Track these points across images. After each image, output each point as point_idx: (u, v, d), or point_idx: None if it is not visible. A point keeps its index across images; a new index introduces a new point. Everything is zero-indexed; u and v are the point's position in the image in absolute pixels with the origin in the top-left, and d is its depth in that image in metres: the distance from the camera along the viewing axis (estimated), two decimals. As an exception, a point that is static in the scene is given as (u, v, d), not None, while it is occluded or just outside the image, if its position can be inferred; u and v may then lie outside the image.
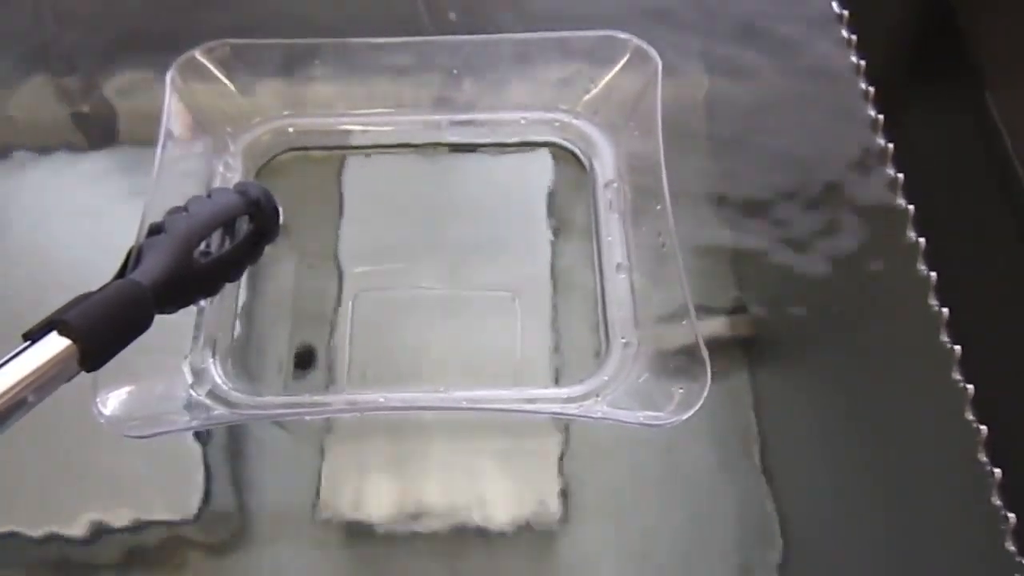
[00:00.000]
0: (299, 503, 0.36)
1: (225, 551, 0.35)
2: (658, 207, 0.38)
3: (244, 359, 0.39)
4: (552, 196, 0.44)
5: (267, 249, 0.38)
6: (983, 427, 0.36)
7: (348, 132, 0.46)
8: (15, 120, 0.48)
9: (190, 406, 0.36)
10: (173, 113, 0.41)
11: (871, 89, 0.47)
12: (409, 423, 0.38)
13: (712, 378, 0.33)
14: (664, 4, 0.52)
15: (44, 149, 0.46)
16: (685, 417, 0.33)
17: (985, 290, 0.42)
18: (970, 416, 0.37)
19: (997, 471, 0.35)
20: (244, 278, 0.40)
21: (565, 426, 0.38)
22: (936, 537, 0.35)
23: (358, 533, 0.36)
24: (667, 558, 0.35)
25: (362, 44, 0.45)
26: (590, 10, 0.51)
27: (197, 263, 0.34)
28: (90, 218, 0.44)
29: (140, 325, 0.31)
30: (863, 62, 0.48)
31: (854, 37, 0.49)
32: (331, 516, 0.36)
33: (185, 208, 0.35)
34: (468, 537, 0.35)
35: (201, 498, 0.36)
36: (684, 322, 0.35)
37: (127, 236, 0.34)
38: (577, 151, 0.45)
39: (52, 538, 0.35)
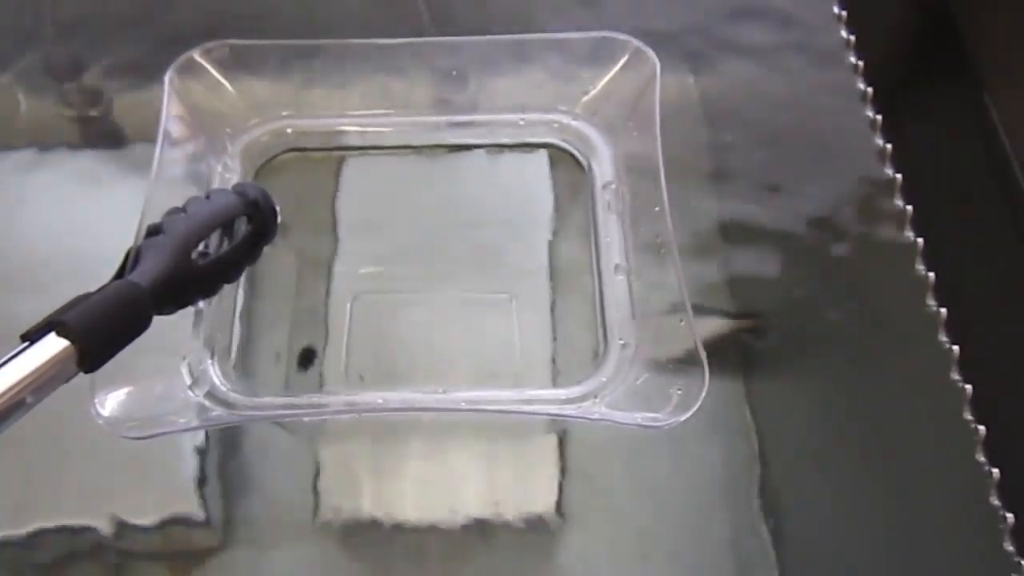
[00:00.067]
0: (298, 504, 0.36)
1: (224, 552, 0.35)
2: (656, 208, 0.38)
3: (243, 360, 0.39)
4: (550, 197, 0.44)
5: (266, 250, 0.38)
6: (981, 427, 0.36)
7: (347, 133, 0.46)
8: (14, 120, 0.48)
9: (189, 407, 0.36)
10: (171, 114, 0.41)
11: (870, 90, 0.47)
12: (408, 424, 0.38)
13: (710, 379, 0.33)
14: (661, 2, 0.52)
15: (43, 149, 0.46)
16: (683, 418, 0.33)
17: (983, 290, 0.42)
18: (968, 416, 0.37)
19: (995, 471, 0.35)
20: (242, 279, 0.40)
21: (563, 427, 0.38)
22: (935, 537, 0.35)
23: (357, 533, 0.36)
24: (665, 559, 0.35)
25: (361, 45, 0.45)
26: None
27: (195, 264, 0.34)
28: (88, 219, 0.44)
29: (139, 326, 0.31)
30: (862, 62, 0.48)
31: (853, 38, 0.49)
32: (330, 516, 0.36)
33: (183, 209, 0.35)
34: (467, 538, 0.35)
35: (199, 499, 0.36)
36: (682, 323, 0.35)
37: (126, 237, 0.34)
38: (576, 152, 0.45)
39: (51, 538, 0.35)
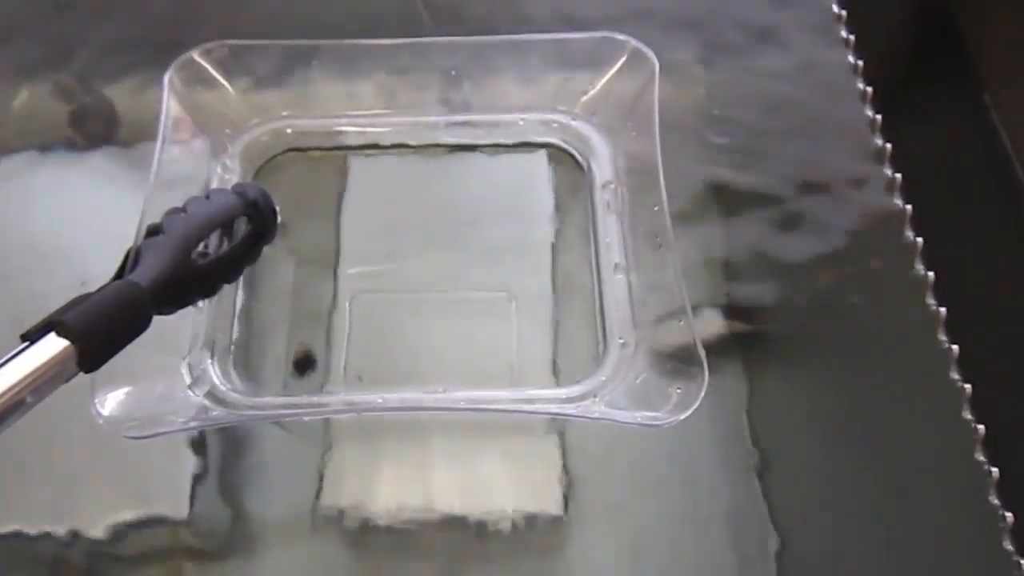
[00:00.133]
0: (299, 503, 0.36)
1: (225, 552, 0.35)
2: (655, 208, 0.39)
3: (243, 360, 0.39)
4: (550, 197, 0.45)
5: (265, 250, 0.38)
6: (981, 426, 0.36)
7: (346, 133, 0.46)
8: (14, 121, 0.48)
9: (189, 407, 0.36)
10: (171, 114, 0.41)
11: (869, 89, 0.47)
12: (408, 424, 0.38)
13: (709, 378, 0.33)
14: (664, 4, 0.52)
15: (43, 149, 0.46)
16: (683, 417, 0.33)
17: (983, 290, 0.42)
18: (968, 415, 0.37)
19: (995, 470, 0.35)
20: (242, 279, 0.40)
21: (563, 426, 0.38)
22: (934, 536, 0.35)
23: (358, 534, 0.36)
24: (666, 557, 0.35)
25: (360, 45, 0.45)
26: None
27: (195, 264, 0.34)
28: (88, 219, 0.44)
29: (138, 326, 0.31)
30: (861, 62, 0.48)
31: (852, 37, 0.50)
32: (331, 516, 0.36)
33: (183, 209, 0.35)
34: (468, 537, 0.35)
35: (200, 499, 0.36)
36: (681, 322, 0.36)
37: (125, 237, 0.34)
38: (575, 152, 0.46)
39: (49, 538, 0.35)
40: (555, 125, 0.46)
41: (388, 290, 0.42)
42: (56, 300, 0.29)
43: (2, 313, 0.40)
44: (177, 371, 0.38)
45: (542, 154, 0.46)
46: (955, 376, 0.38)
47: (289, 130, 0.46)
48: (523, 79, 0.46)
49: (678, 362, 0.35)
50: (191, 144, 0.43)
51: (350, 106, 0.46)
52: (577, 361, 0.39)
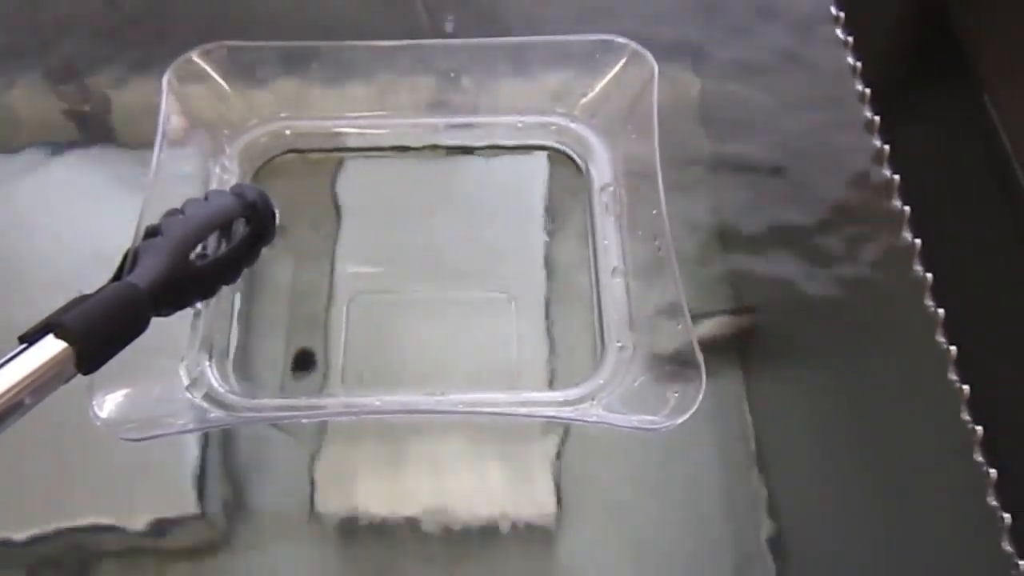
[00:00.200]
0: (296, 504, 0.36)
1: (222, 553, 0.35)
2: (654, 211, 0.38)
3: (241, 362, 0.39)
4: (548, 199, 0.45)
5: (264, 251, 0.38)
6: (979, 427, 0.36)
7: (345, 135, 0.46)
8: (13, 122, 0.48)
9: (187, 409, 0.36)
10: (170, 115, 0.41)
11: (867, 91, 0.47)
12: (405, 426, 0.38)
13: (707, 381, 0.33)
14: (662, 5, 0.52)
15: (42, 150, 0.46)
16: (680, 421, 0.33)
17: (982, 291, 0.42)
18: (966, 416, 0.37)
19: (993, 471, 0.35)
20: (241, 280, 0.40)
21: (561, 429, 0.38)
22: (933, 537, 0.35)
23: (354, 534, 0.36)
24: (664, 559, 0.35)
25: (359, 47, 0.45)
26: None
27: (193, 265, 0.34)
28: (87, 220, 0.44)
29: (137, 328, 0.31)
30: (859, 63, 0.48)
31: (850, 38, 0.50)
32: (328, 517, 0.36)
33: (182, 211, 0.35)
34: (466, 539, 0.35)
35: (198, 500, 0.36)
36: (679, 326, 0.35)
37: (124, 238, 0.34)
38: (573, 154, 0.46)
39: (48, 539, 0.35)
40: (554, 127, 0.46)
41: (386, 292, 0.42)
42: (54, 301, 0.29)
43: (0, 314, 0.40)
44: (175, 373, 0.38)
45: (541, 156, 0.46)
46: (953, 377, 0.38)
47: (288, 131, 0.46)
48: (522, 81, 0.46)
49: (676, 365, 0.35)
50: (190, 145, 0.43)
51: (349, 108, 0.46)
52: (575, 364, 0.39)
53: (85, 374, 0.29)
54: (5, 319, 0.38)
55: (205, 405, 0.37)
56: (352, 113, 0.46)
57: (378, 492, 0.36)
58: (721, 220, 0.44)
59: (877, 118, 0.46)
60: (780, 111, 0.48)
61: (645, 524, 0.36)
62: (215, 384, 0.38)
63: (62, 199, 0.45)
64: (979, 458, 0.36)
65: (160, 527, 0.36)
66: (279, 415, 0.38)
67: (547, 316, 0.41)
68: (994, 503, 0.35)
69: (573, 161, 0.45)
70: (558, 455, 0.37)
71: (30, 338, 0.28)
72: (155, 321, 0.32)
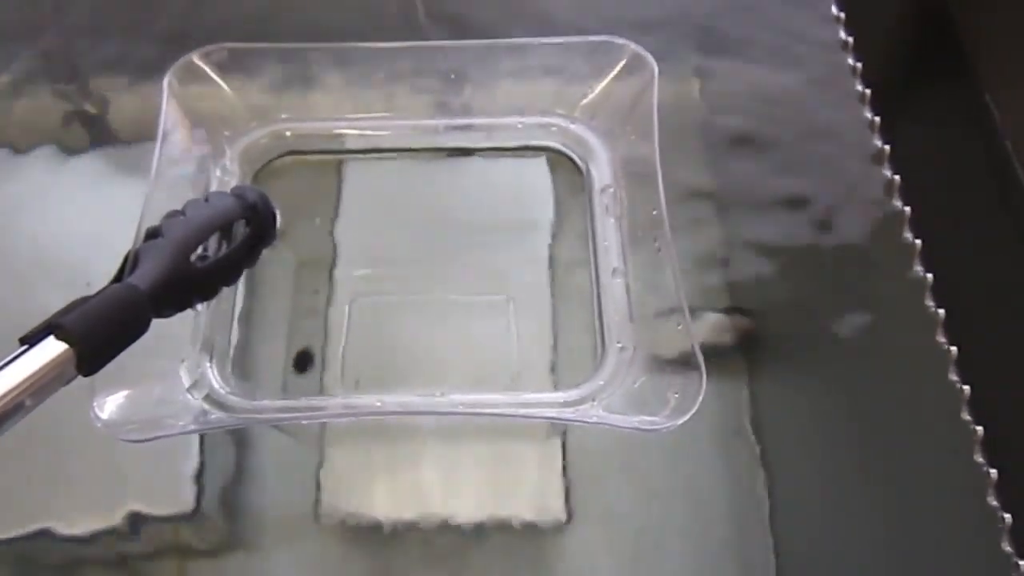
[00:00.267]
0: (298, 506, 0.36)
1: (224, 555, 0.35)
2: (654, 212, 0.39)
3: (241, 363, 0.40)
4: (549, 200, 0.45)
5: (264, 253, 0.38)
6: (979, 427, 0.36)
7: (345, 136, 0.46)
8: (13, 122, 0.48)
9: (187, 410, 0.36)
10: (170, 117, 0.41)
11: (868, 91, 0.47)
12: (406, 427, 0.38)
13: (708, 381, 0.33)
14: (660, 10, 0.52)
15: (42, 151, 0.46)
16: (680, 422, 0.33)
17: (982, 291, 0.42)
18: (967, 416, 0.37)
19: (993, 471, 0.35)
20: (241, 282, 0.40)
21: (562, 429, 0.38)
22: (933, 538, 0.35)
23: (357, 536, 0.36)
24: (666, 560, 0.35)
25: (360, 48, 0.45)
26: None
27: (194, 267, 0.34)
28: (88, 222, 0.44)
29: (137, 329, 0.31)
30: (860, 63, 0.48)
31: (851, 39, 0.50)
32: (329, 519, 0.36)
33: (182, 212, 0.35)
34: (467, 540, 0.35)
35: (199, 502, 0.36)
36: (679, 326, 0.35)
37: (124, 240, 0.34)
38: (574, 156, 0.46)
39: (47, 539, 0.35)
40: (554, 129, 0.46)
41: (387, 293, 0.42)
42: (55, 303, 0.29)
43: (1, 314, 0.40)
44: (176, 374, 0.38)
45: (541, 158, 0.46)
46: (954, 377, 0.38)
47: (288, 133, 0.46)
48: (522, 83, 0.46)
49: (676, 366, 0.35)
50: (190, 147, 0.43)
51: (349, 109, 0.46)
52: (575, 365, 0.39)
53: (86, 376, 0.29)
54: (5, 320, 0.38)
55: (206, 406, 0.37)
56: (352, 115, 0.46)
57: (378, 493, 0.37)
58: (721, 220, 0.44)
59: (878, 118, 0.46)
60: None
61: (647, 526, 0.36)
62: (216, 385, 0.38)
63: (63, 201, 0.45)
64: (979, 458, 0.36)
65: (159, 528, 0.36)
66: (280, 416, 0.38)
67: (548, 317, 0.41)
68: (994, 503, 0.35)
69: (573, 162, 0.45)
70: (559, 456, 0.37)
71: (31, 340, 0.28)
72: (156, 322, 0.32)
